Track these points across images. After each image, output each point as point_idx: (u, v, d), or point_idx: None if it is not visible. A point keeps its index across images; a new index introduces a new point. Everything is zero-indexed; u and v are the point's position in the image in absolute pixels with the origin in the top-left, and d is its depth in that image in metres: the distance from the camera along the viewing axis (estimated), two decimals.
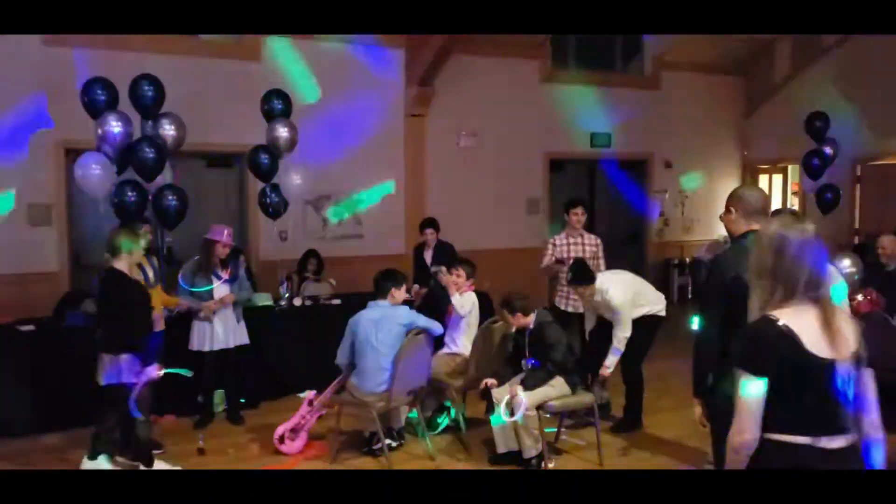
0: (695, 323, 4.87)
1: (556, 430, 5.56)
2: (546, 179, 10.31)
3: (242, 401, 6.27)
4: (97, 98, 6.10)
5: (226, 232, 5.91)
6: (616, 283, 5.61)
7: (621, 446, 5.50)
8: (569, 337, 5.47)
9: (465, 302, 5.71)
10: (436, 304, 6.37)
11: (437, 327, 5.38)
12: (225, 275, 5.93)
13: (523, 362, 5.18)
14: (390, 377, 5.05)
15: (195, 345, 5.88)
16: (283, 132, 6.94)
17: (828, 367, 2.30)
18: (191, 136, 6.55)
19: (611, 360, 5.50)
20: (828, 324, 2.32)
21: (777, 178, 11.51)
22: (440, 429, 5.75)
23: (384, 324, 5.09)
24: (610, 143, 10.59)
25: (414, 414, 5.54)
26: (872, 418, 2.39)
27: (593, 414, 5.27)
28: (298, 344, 6.66)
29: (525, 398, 4.84)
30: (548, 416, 5.14)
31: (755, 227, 3.34)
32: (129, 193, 6.02)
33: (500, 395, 5.05)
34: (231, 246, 6.03)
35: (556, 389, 5.05)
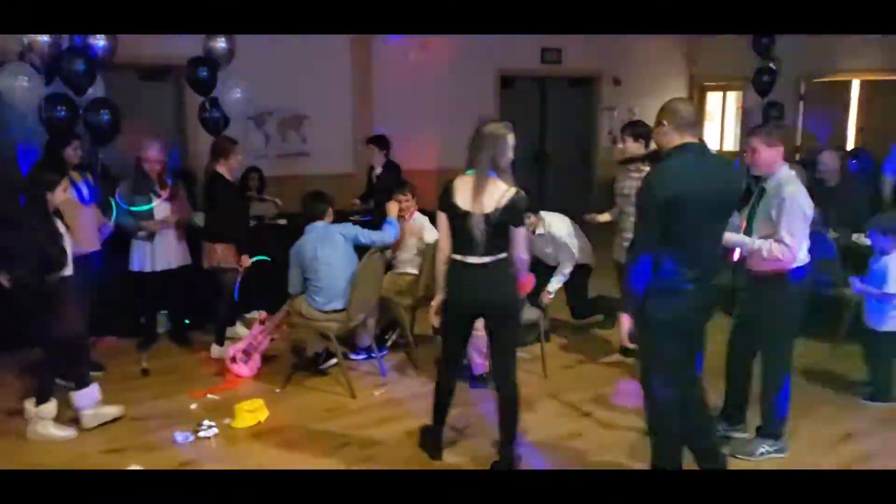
0: None
1: None
2: (497, 96, 10.16)
3: (187, 322, 6.18)
4: None
5: (156, 147, 5.68)
6: (556, 218, 5.84)
7: (564, 361, 5.62)
8: None
9: (422, 223, 5.73)
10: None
11: (384, 238, 5.25)
12: (164, 193, 5.73)
13: None
14: (345, 294, 5.00)
15: (136, 266, 5.72)
16: (220, 43, 6.62)
17: (465, 215, 3.57)
18: (123, 46, 6.21)
19: (554, 286, 5.66)
20: (476, 189, 3.56)
21: (731, 95, 11.56)
22: (388, 344, 5.79)
23: (328, 241, 5.02)
24: (560, 59, 10.45)
25: None
26: (517, 250, 3.69)
27: (538, 329, 5.37)
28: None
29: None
30: None
31: (689, 139, 3.33)
32: (59, 107, 5.73)
33: None
34: (163, 161, 5.78)
35: None
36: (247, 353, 5.34)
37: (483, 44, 9.59)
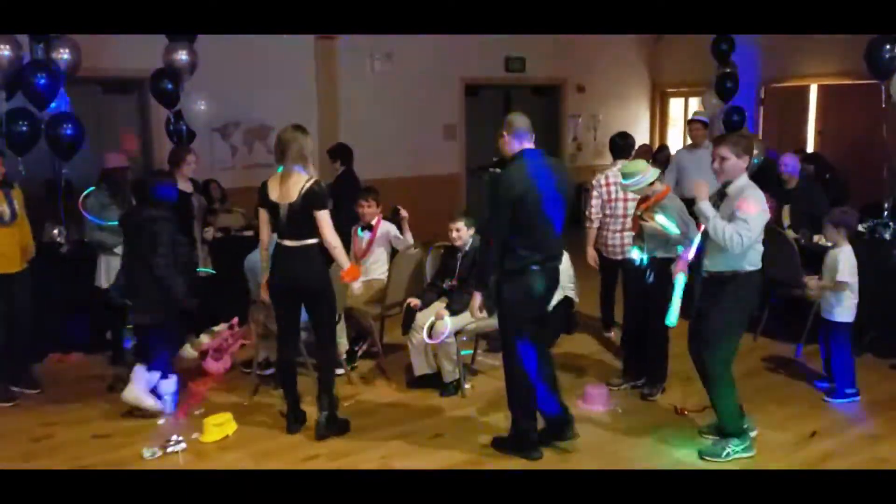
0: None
1: (472, 352, 5.66)
2: (462, 104, 10.21)
3: None
4: None
5: (124, 157, 5.70)
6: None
7: None
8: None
9: (387, 230, 5.76)
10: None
11: None
12: None
13: (446, 281, 5.22)
14: None
15: (103, 281, 5.63)
16: (181, 55, 6.58)
17: (277, 206, 4.22)
18: (86, 60, 6.17)
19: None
20: (282, 183, 4.22)
21: (693, 101, 11.69)
22: (359, 356, 5.77)
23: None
24: (524, 67, 10.54)
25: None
26: (324, 234, 4.25)
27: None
28: (212, 277, 6.48)
29: (450, 323, 4.89)
30: (464, 339, 5.21)
31: (527, 145, 3.96)
32: (21, 123, 5.67)
33: (425, 318, 5.06)
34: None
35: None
36: (218, 352, 5.50)
37: (448, 53, 9.65)
